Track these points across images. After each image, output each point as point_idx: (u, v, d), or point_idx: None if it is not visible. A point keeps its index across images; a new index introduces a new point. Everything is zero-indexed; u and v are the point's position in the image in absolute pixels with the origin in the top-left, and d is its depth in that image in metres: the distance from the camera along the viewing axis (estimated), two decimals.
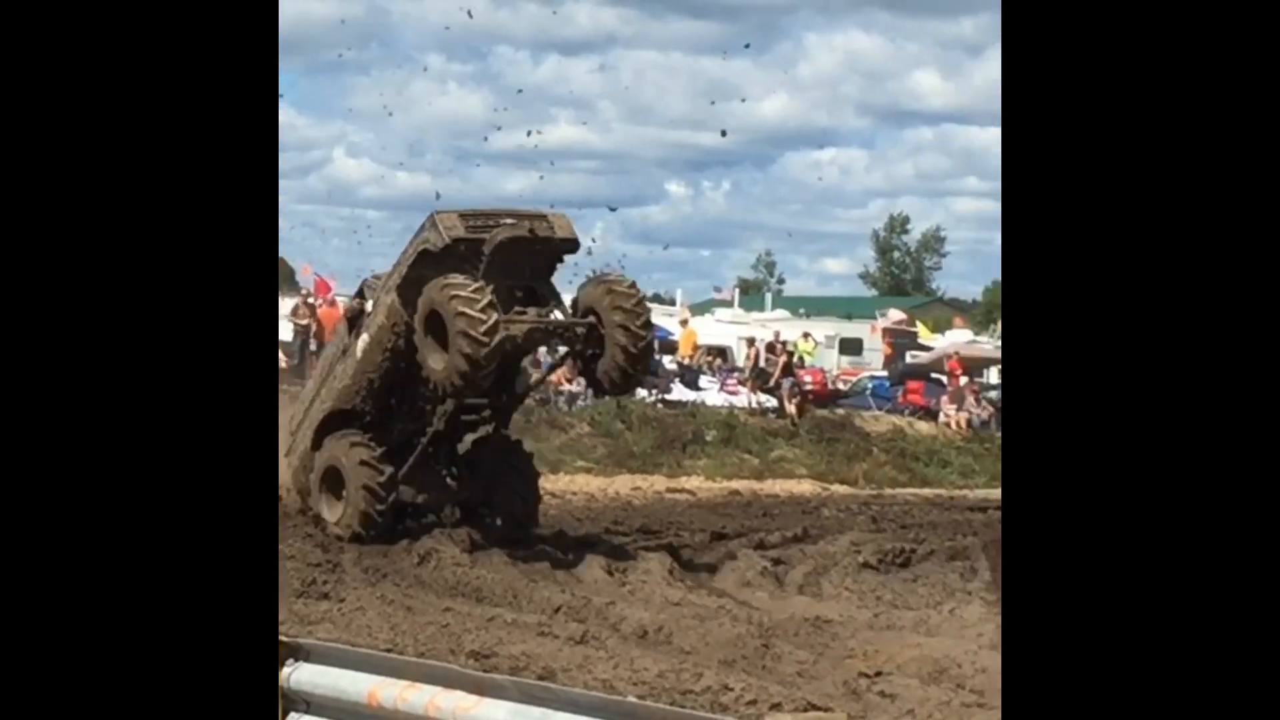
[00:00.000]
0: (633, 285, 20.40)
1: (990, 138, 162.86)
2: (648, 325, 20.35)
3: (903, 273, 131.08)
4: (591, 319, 20.00)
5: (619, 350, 19.83)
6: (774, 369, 41.70)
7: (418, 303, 19.40)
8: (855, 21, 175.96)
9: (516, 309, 19.76)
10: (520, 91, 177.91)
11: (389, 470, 20.55)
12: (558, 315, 20.24)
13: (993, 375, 48.18)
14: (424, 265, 19.76)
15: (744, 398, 41.18)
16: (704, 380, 44.06)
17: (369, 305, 21.19)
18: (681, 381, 41.63)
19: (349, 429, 20.96)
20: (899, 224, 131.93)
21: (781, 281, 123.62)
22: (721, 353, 51.04)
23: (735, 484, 33.54)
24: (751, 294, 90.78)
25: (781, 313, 65.70)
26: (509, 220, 20.02)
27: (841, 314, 70.42)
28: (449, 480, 21.35)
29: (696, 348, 47.86)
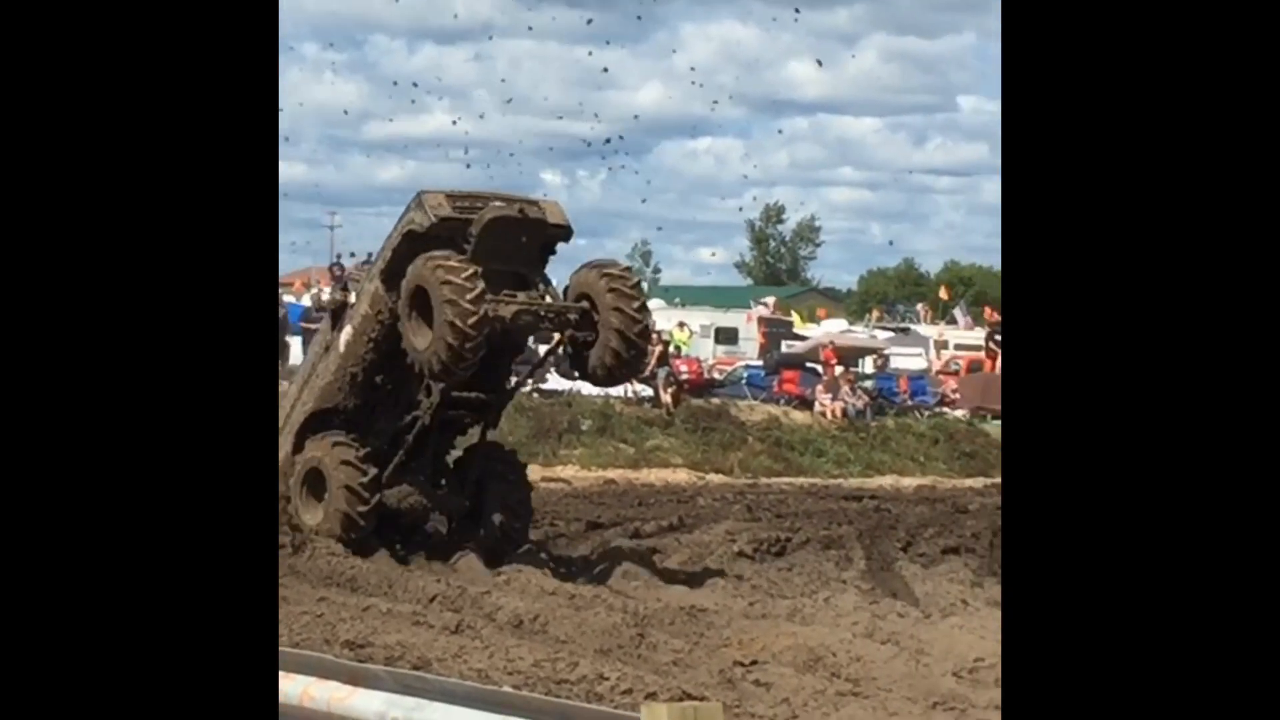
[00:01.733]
0: (628, 269, 19.74)
1: (865, 128, 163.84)
2: (644, 311, 19.52)
3: (778, 262, 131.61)
4: (585, 304, 19.09)
5: (614, 336, 18.89)
6: (650, 358, 41.69)
7: (402, 283, 18.64)
8: (731, 11, 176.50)
9: (506, 291, 18.92)
10: (401, 84, 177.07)
11: (373, 471, 19.52)
12: (550, 301, 19.31)
13: (867, 365, 48.42)
14: (410, 248, 18.97)
15: (619, 387, 41.15)
16: None
17: (352, 298, 20.21)
18: (557, 371, 41.57)
19: (331, 430, 19.91)
20: (774, 214, 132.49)
21: (657, 271, 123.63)
22: None
23: (611, 473, 33.60)
24: None
25: (657, 302, 65.70)
26: (498, 202, 19.28)
27: (716, 304, 70.59)
28: (437, 490, 20.25)
29: None
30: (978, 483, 34.10)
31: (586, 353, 19.25)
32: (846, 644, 15.09)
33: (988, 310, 58.81)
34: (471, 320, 18.00)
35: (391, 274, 19.11)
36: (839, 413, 39.92)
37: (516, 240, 19.08)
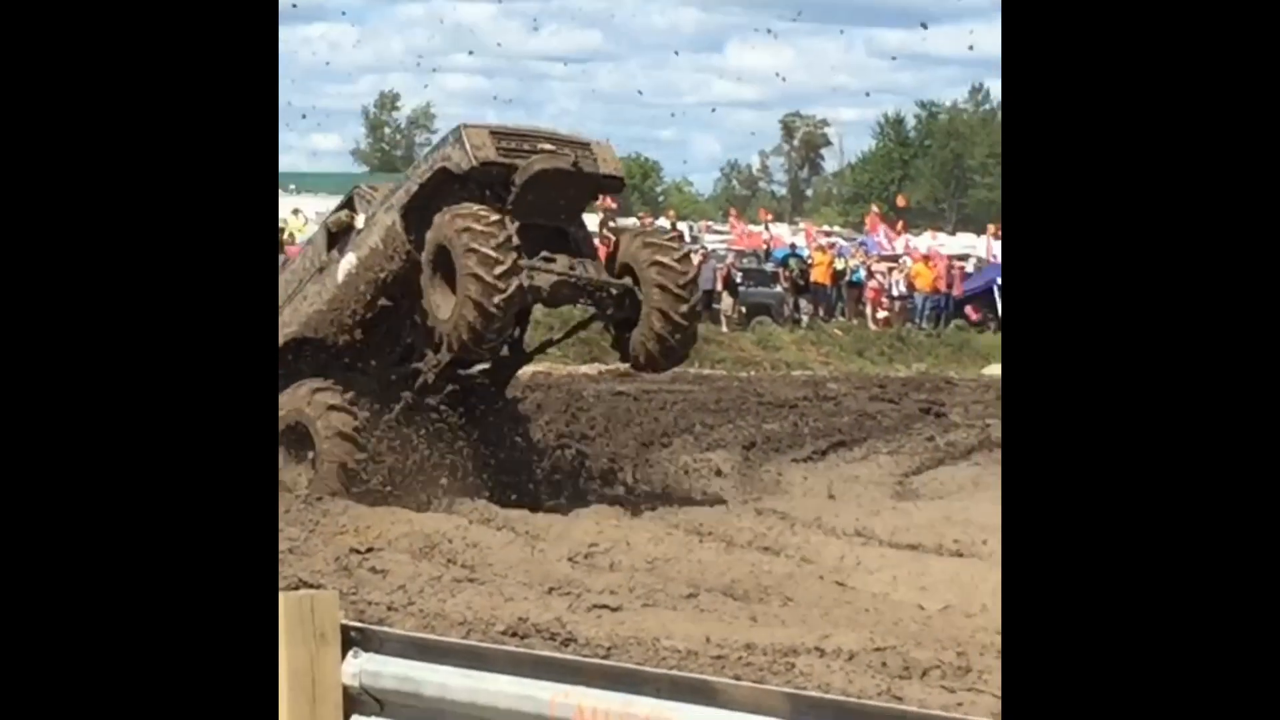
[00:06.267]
0: (676, 237, 17.45)
1: (480, 13, 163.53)
2: (691, 288, 17.16)
3: (393, 149, 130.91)
4: (628, 280, 16.88)
5: (657, 317, 16.67)
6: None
7: (426, 234, 16.48)
8: None
9: (544, 254, 16.73)
10: None
11: (364, 415, 17.20)
12: (591, 271, 17.04)
13: None
14: (441, 187, 16.74)
15: None
16: None
17: (359, 220, 17.67)
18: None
19: (309, 378, 17.40)
20: (389, 101, 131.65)
21: None
22: None
23: None
24: None
25: None
26: (547, 145, 16.91)
27: (331, 190, 69.96)
28: (430, 446, 17.57)
29: None
30: (592, 369, 34.48)
31: (628, 333, 17.17)
32: (462, 530, 15.21)
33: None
34: (498, 299, 16.01)
35: (413, 211, 16.94)
36: None
37: (563, 192, 16.97)
